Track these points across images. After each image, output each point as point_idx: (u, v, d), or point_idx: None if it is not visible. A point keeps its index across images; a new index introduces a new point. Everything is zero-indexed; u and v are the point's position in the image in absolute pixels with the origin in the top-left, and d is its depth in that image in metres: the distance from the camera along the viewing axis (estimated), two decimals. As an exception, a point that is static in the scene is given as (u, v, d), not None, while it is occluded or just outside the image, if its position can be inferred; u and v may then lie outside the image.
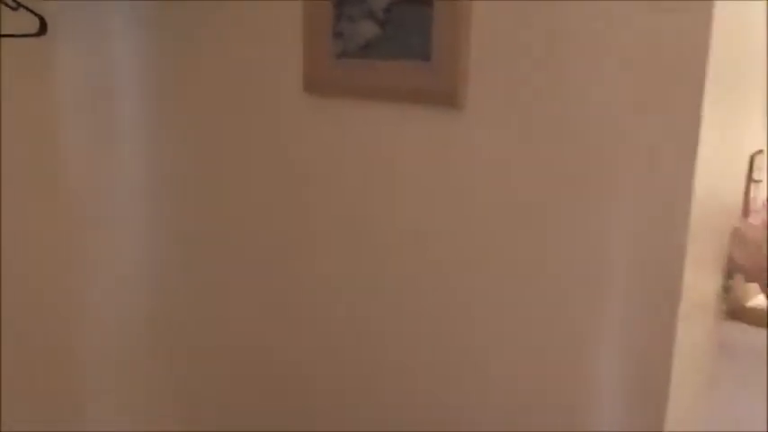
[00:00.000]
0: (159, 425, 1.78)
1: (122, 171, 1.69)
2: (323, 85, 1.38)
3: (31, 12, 1.32)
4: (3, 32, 1.34)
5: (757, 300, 1.24)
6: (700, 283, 1.12)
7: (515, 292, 1.22)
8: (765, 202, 1.21)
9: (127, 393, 1.79)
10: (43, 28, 1.32)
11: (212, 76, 1.56)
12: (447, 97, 1.21)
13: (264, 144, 1.51)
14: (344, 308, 1.45)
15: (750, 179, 1.19)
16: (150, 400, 1.81)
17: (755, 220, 1.15)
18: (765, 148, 1.24)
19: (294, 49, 1.39)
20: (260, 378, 1.64)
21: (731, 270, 1.18)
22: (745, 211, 1.19)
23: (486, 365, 1.29)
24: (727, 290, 1.19)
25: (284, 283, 1.54)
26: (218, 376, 1.72)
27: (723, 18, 1.00)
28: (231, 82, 1.53)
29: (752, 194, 1.20)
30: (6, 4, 1.30)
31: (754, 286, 1.20)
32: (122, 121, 1.67)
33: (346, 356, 1.48)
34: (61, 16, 1.46)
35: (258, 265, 1.58)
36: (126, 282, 1.74)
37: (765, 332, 1.18)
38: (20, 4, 1.30)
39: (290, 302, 1.54)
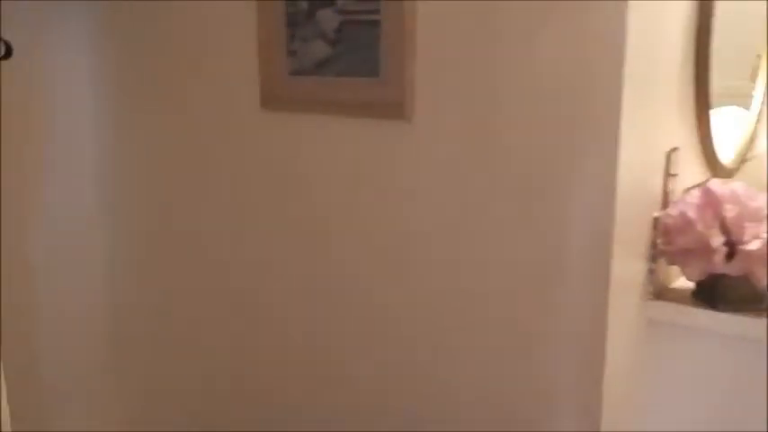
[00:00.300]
0: (123, 425, 1.83)
1: (80, 182, 1.74)
2: (279, 100, 1.47)
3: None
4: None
5: (680, 281, 1.39)
6: (627, 267, 1.25)
7: (464, 292, 1.33)
8: (682, 194, 1.36)
9: (89, 396, 1.82)
10: (8, 52, 1.37)
11: (171, 94, 1.63)
12: (396, 110, 1.31)
13: (223, 158, 1.59)
14: (300, 309, 1.54)
15: (667, 173, 1.34)
16: (113, 402, 1.85)
17: (673, 210, 1.29)
18: (680, 146, 1.39)
19: (251, 67, 1.47)
20: (219, 379, 1.71)
21: (654, 255, 1.32)
22: (665, 202, 1.33)
23: (435, 363, 1.39)
24: (652, 272, 1.33)
25: (243, 293, 1.62)
26: (174, 376, 1.78)
27: (636, 19, 1.12)
28: (190, 99, 1.61)
29: (669, 187, 1.34)
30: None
31: (676, 269, 1.34)
32: (81, 131, 1.72)
33: (298, 356, 1.57)
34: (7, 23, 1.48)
35: (216, 274, 1.65)
36: (86, 287, 1.79)
37: (688, 309, 1.32)
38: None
39: (248, 306, 1.62)
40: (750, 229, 1.24)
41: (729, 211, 1.25)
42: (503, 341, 1.31)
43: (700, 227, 1.24)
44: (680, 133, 1.40)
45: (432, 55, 1.27)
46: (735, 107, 1.79)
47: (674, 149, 1.35)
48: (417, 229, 1.36)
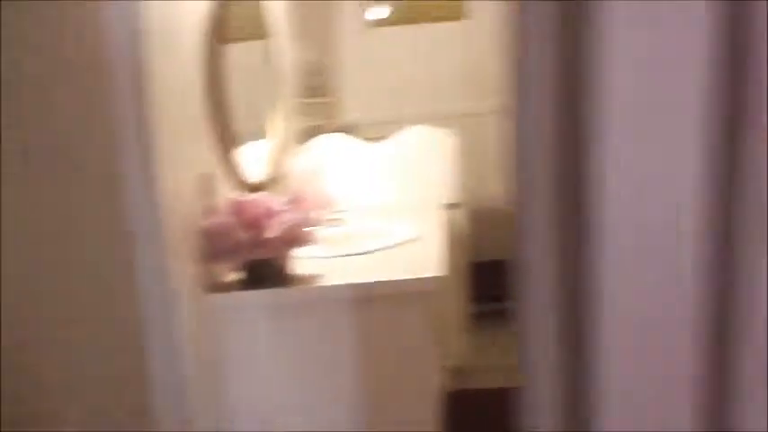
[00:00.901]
0: None
1: None
2: None
3: None
4: None
5: (229, 275, 1.77)
6: (184, 270, 1.57)
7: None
8: (218, 208, 1.73)
9: None
10: None
11: None
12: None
13: None
14: None
15: (206, 193, 1.70)
16: None
17: (212, 220, 1.66)
18: (216, 171, 1.77)
19: None
20: None
21: (205, 257, 1.66)
22: (206, 214, 1.69)
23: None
24: (205, 271, 1.67)
25: None
26: None
27: (162, 75, 1.46)
28: None
29: (209, 203, 1.71)
30: None
31: (224, 267, 1.71)
32: None
33: None
34: None
35: None
36: None
37: (238, 294, 1.70)
38: None
39: None
40: (267, 223, 1.67)
41: (250, 213, 1.66)
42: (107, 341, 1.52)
43: (230, 229, 1.62)
44: (213, 162, 1.79)
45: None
46: (263, 140, 2.29)
47: (208, 174, 1.73)
48: None
